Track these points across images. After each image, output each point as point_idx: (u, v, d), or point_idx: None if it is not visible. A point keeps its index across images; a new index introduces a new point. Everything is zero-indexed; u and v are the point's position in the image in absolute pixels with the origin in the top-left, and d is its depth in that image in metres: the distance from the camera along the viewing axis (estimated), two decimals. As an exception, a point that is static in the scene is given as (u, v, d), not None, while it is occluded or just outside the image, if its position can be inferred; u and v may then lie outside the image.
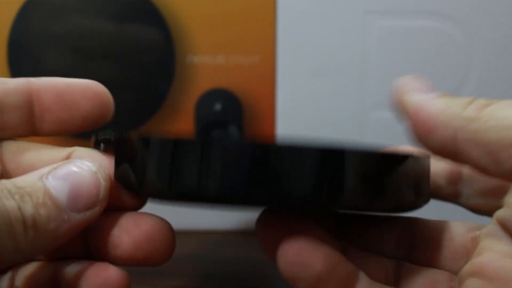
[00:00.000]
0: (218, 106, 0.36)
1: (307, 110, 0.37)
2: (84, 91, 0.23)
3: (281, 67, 0.36)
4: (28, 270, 0.22)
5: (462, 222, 0.23)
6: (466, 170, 0.24)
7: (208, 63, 0.36)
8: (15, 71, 0.36)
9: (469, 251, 0.22)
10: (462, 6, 0.36)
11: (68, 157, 0.23)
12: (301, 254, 0.19)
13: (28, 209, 0.17)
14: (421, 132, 0.20)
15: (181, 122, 0.36)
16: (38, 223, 0.17)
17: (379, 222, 0.24)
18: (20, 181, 0.18)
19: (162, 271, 0.32)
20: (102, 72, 0.36)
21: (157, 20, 0.35)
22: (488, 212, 0.23)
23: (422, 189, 0.22)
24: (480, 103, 0.19)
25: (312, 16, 0.36)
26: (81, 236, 0.22)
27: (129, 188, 0.21)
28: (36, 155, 0.23)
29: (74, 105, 0.23)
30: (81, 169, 0.19)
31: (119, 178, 0.22)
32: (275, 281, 0.31)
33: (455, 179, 0.25)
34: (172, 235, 0.22)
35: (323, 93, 0.36)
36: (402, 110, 0.21)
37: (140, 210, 0.23)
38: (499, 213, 0.22)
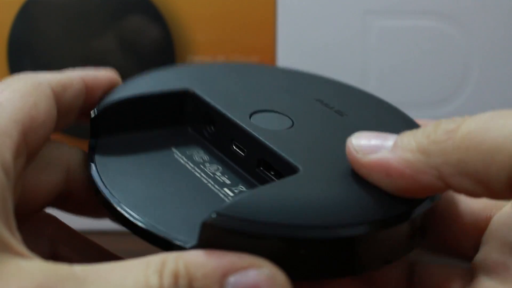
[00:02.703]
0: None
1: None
2: None
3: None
4: None
5: (474, 199, 0.22)
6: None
7: (208, 63, 0.36)
8: (15, 71, 0.36)
9: (481, 230, 0.21)
10: (462, 6, 0.36)
11: None
12: None
13: None
14: (404, 187, 0.19)
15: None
16: None
17: None
18: (199, 275, 0.16)
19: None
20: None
21: (157, 20, 0.35)
22: None
23: None
24: (446, 127, 0.18)
25: (312, 16, 0.36)
26: None
27: None
28: None
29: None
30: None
31: None
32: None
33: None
34: None
35: (323, 93, 0.36)
36: (366, 174, 0.20)
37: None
38: None
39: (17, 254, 0.16)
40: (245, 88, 0.27)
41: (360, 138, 0.20)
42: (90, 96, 0.25)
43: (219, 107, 0.25)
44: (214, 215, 0.18)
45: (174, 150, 0.25)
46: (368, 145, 0.20)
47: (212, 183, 0.23)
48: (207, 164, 0.24)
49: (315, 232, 0.18)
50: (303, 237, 0.18)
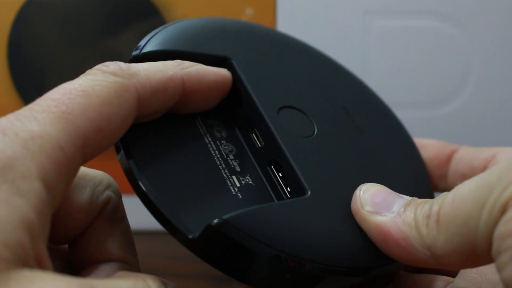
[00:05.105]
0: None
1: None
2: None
3: (281, 67, 0.36)
4: None
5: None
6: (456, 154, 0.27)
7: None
8: (15, 71, 0.36)
9: None
10: (462, 6, 0.36)
11: None
12: None
13: None
14: (397, 255, 0.20)
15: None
16: None
17: None
18: None
19: (163, 271, 0.32)
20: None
21: (157, 20, 0.36)
22: None
23: None
24: (434, 208, 0.19)
25: (312, 16, 0.36)
26: None
27: None
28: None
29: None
30: None
31: None
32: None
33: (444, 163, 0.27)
34: None
35: (323, 93, 0.36)
36: (365, 229, 0.21)
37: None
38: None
39: (48, 269, 0.17)
40: (283, 72, 0.26)
41: (368, 192, 0.21)
42: (187, 99, 0.22)
43: (251, 89, 0.24)
44: (220, 221, 0.19)
45: (197, 115, 0.24)
46: (374, 203, 0.21)
47: (224, 166, 0.23)
48: (223, 142, 0.24)
49: (305, 264, 0.20)
50: (292, 265, 0.20)
